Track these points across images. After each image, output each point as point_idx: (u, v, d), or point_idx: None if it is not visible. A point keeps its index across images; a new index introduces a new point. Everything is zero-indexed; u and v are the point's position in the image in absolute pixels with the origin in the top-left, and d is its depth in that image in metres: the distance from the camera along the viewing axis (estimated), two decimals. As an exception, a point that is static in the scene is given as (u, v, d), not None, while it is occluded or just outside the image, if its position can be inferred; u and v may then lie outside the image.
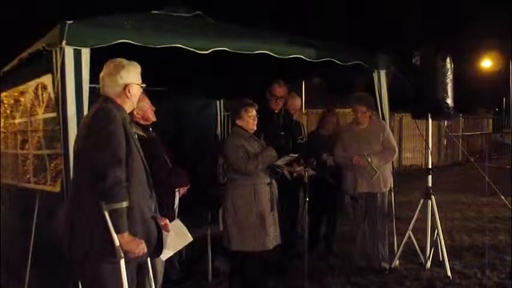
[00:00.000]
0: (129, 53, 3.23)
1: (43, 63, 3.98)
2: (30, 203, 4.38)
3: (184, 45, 4.12)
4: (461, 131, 18.13)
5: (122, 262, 2.67)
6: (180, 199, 4.43)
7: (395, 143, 5.44)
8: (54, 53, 3.73)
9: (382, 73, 5.51)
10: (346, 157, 5.28)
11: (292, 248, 5.38)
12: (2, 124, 5.39)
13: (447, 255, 5.09)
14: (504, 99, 24.07)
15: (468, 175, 12.99)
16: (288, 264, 5.24)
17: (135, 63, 2.96)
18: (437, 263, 5.26)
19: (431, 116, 5.28)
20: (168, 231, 3.08)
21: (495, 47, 26.11)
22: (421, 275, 5.08)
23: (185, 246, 3.58)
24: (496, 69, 28.02)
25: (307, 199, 4.57)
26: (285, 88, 5.36)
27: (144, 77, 3.00)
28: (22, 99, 4.74)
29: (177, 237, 3.28)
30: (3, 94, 5.34)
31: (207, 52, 4.23)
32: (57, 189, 3.95)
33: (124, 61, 2.91)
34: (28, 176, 4.66)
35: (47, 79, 4.00)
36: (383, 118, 5.53)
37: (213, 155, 7.06)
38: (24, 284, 4.36)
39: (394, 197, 5.61)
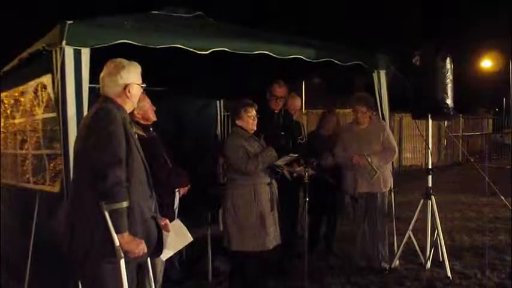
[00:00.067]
0: (129, 53, 3.23)
1: (43, 63, 3.98)
2: (30, 203, 4.38)
3: (184, 46, 4.12)
4: (461, 131, 18.13)
5: (122, 262, 2.67)
6: (180, 199, 4.44)
7: (395, 143, 5.44)
8: (54, 53, 3.73)
9: (382, 73, 5.51)
10: (346, 157, 5.28)
11: (292, 248, 5.38)
12: (2, 124, 5.39)
13: (447, 255, 5.09)
14: (504, 99, 24.05)
15: (468, 175, 12.99)
16: (288, 264, 5.24)
17: (136, 63, 2.96)
18: (437, 263, 5.26)
19: (431, 116, 5.28)
20: (168, 231, 3.08)
21: (495, 47, 26.09)
22: (421, 275, 5.08)
23: (185, 246, 3.58)
24: (496, 69, 28.00)
25: (307, 199, 4.57)
26: (285, 88, 5.36)
27: (144, 77, 3.00)
28: (22, 99, 4.74)
29: (177, 237, 3.28)
30: (3, 94, 5.34)
31: (207, 52, 4.23)
32: (57, 189, 3.95)
33: (124, 61, 2.91)
34: (27, 175, 4.66)
35: (46, 79, 4.00)
36: (383, 118, 5.53)
37: (213, 155, 7.06)
38: (24, 284, 4.36)
39: (394, 197, 5.61)
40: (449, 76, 5.08)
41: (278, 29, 5.59)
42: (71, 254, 2.73)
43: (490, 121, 21.14)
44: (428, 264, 5.23)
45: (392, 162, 5.62)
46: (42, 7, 18.09)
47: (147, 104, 4.13)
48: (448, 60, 5.08)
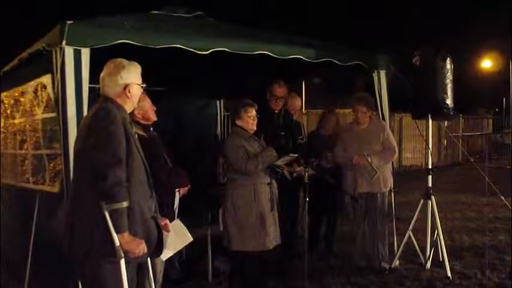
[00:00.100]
0: (129, 53, 3.23)
1: (43, 63, 3.97)
2: (30, 203, 4.38)
3: (184, 46, 4.12)
4: (461, 131, 18.13)
5: (122, 262, 2.67)
6: (180, 199, 4.43)
7: (395, 143, 5.44)
8: (54, 53, 3.73)
9: (382, 73, 5.51)
10: (346, 157, 5.28)
11: (292, 248, 5.38)
12: (2, 124, 5.39)
13: (447, 255, 5.09)
14: (504, 99, 24.06)
15: (468, 175, 13.00)
16: (288, 264, 5.24)
17: (136, 63, 2.96)
18: (437, 263, 5.26)
19: (431, 117, 5.28)
20: (168, 231, 3.08)
21: (495, 47, 26.10)
22: (421, 275, 5.08)
23: (185, 246, 3.58)
24: (496, 69, 28.01)
25: (307, 199, 4.57)
26: (285, 88, 5.36)
27: (144, 77, 3.00)
28: (22, 99, 4.74)
29: (177, 237, 3.28)
30: (4, 94, 5.34)
31: (207, 52, 4.23)
32: (56, 189, 3.95)
33: (124, 61, 2.91)
34: (27, 175, 4.66)
35: (46, 79, 4.00)
36: (383, 118, 5.53)
37: (213, 155, 7.06)
38: (24, 284, 4.36)
39: (394, 197, 5.61)
40: (449, 76, 5.09)
41: (278, 29, 5.59)
42: (71, 254, 2.73)
43: (490, 121, 21.14)
44: (428, 264, 5.23)
45: (392, 162, 5.62)
46: (42, 7, 18.10)
47: (148, 103, 4.13)
48: (448, 60, 5.09)
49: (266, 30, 5.34)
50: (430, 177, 5.29)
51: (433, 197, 5.20)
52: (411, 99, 5.28)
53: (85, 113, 3.55)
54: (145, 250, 2.78)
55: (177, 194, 4.40)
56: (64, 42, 3.60)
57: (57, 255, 3.27)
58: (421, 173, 7.87)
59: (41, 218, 4.21)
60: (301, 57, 4.80)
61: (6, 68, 5.06)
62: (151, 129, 4.20)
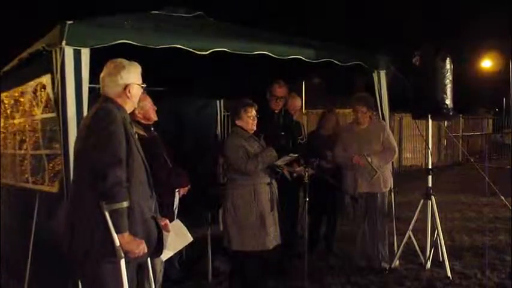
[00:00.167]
0: (129, 53, 3.23)
1: (43, 64, 3.97)
2: (29, 203, 4.38)
3: (184, 46, 4.12)
4: (461, 131, 18.14)
5: (122, 262, 2.67)
6: (180, 199, 4.43)
7: (395, 143, 5.44)
8: (54, 53, 3.73)
9: (382, 73, 5.51)
10: (346, 157, 5.28)
11: (292, 248, 5.38)
12: (2, 124, 5.39)
13: (447, 255, 5.10)
14: (504, 99, 24.07)
15: (468, 175, 13.00)
16: (288, 264, 5.25)
17: (136, 63, 2.95)
18: (437, 263, 5.26)
19: (431, 117, 5.28)
20: (168, 231, 3.08)
21: (495, 47, 26.11)
22: (421, 275, 5.08)
23: (185, 246, 3.58)
24: (496, 69, 28.02)
25: (307, 199, 4.56)
26: (285, 88, 5.36)
27: (144, 77, 3.00)
28: (22, 99, 4.74)
29: (177, 237, 3.28)
30: (4, 94, 5.34)
31: (207, 53, 4.23)
32: (55, 189, 3.94)
33: (124, 61, 2.91)
34: (26, 175, 4.66)
35: (46, 79, 3.99)
36: (383, 118, 5.54)
37: (213, 155, 7.06)
38: (24, 284, 4.36)
39: (394, 197, 5.61)
40: (449, 76, 5.09)
41: (278, 29, 5.59)
42: (71, 254, 2.73)
43: (490, 121, 21.14)
44: (428, 264, 5.24)
45: (392, 162, 5.62)
46: (42, 7, 18.10)
47: (148, 103, 4.13)
48: (447, 60, 5.09)
49: (266, 30, 5.34)
50: (430, 177, 5.29)
51: (433, 197, 5.20)
52: (411, 99, 5.28)
53: (85, 113, 3.55)
54: (146, 250, 2.78)
55: (176, 194, 4.40)
56: (64, 42, 3.60)
57: (57, 255, 3.27)
58: (421, 173, 7.87)
59: (41, 218, 4.21)
60: (301, 57, 4.80)
61: (6, 68, 5.06)
62: (152, 129, 4.20)
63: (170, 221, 3.21)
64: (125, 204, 2.63)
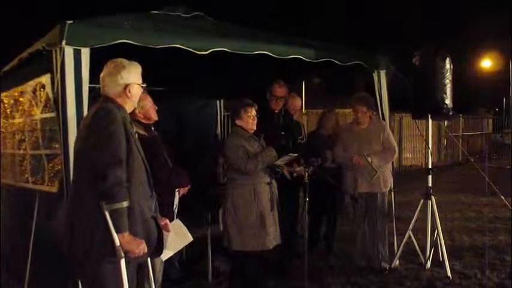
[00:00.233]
0: (129, 53, 3.23)
1: (43, 63, 3.97)
2: (29, 203, 4.38)
3: (183, 46, 4.12)
4: (461, 131, 18.13)
5: (122, 262, 2.67)
6: (180, 199, 4.43)
7: (395, 143, 5.44)
8: (54, 53, 3.73)
9: (382, 73, 5.51)
10: (346, 157, 5.29)
11: (292, 248, 5.38)
12: (1, 124, 5.39)
13: (447, 255, 5.10)
14: (504, 99, 24.08)
15: (468, 175, 13.00)
16: (288, 264, 5.24)
17: (136, 63, 2.95)
18: (437, 263, 5.26)
19: (431, 116, 5.28)
20: (168, 231, 3.08)
21: (495, 47, 26.12)
22: (421, 275, 5.08)
23: (185, 246, 3.58)
24: (496, 69, 28.02)
25: (307, 199, 4.56)
26: (285, 88, 5.36)
27: (144, 77, 3.00)
28: (22, 99, 4.74)
29: (177, 237, 3.28)
30: (3, 94, 5.34)
31: (207, 52, 4.23)
32: (55, 189, 3.94)
33: (125, 61, 2.91)
34: (26, 175, 4.66)
35: (45, 79, 3.99)
36: (383, 118, 5.54)
37: (213, 155, 7.06)
38: (24, 284, 4.36)
39: (394, 197, 5.61)
40: (449, 76, 5.09)
41: (278, 29, 5.59)
42: (71, 254, 2.73)
43: (490, 121, 21.13)
44: (428, 264, 5.24)
45: (392, 162, 5.62)
46: (42, 7, 18.10)
47: (149, 103, 4.13)
48: (447, 60, 5.09)
49: (266, 30, 5.34)
50: (430, 177, 5.29)
51: (433, 197, 5.20)
52: (411, 99, 5.28)
53: (85, 113, 3.55)
54: (146, 250, 2.77)
55: (176, 193, 4.40)
56: (64, 42, 3.60)
57: (57, 255, 3.27)
58: (421, 173, 7.87)
59: (41, 218, 4.21)
60: (301, 57, 4.80)
61: (6, 68, 5.06)
62: (153, 128, 4.20)
63: (170, 221, 3.21)
64: (125, 204, 2.63)
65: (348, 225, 6.02)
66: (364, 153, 5.16)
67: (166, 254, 3.19)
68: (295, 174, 4.94)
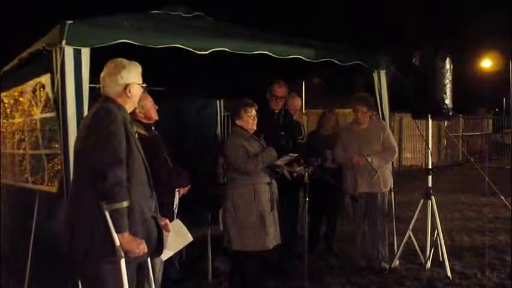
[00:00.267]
0: (129, 53, 3.23)
1: (43, 63, 3.97)
2: (29, 203, 4.38)
3: (183, 46, 4.12)
4: (461, 131, 18.13)
5: (122, 262, 2.67)
6: (180, 199, 4.43)
7: (395, 143, 5.44)
8: (54, 52, 3.73)
9: (382, 73, 5.51)
10: (346, 157, 5.29)
11: (292, 248, 5.38)
12: (1, 124, 5.39)
13: (447, 255, 5.09)
14: (504, 99, 24.07)
15: (468, 175, 13.00)
16: (288, 264, 5.24)
17: (136, 63, 2.95)
18: (437, 263, 5.26)
19: (431, 117, 5.28)
20: (168, 231, 3.08)
21: (495, 47, 26.12)
22: (421, 275, 5.08)
23: (185, 246, 3.58)
24: (496, 69, 28.02)
25: (307, 199, 4.56)
26: (285, 88, 5.36)
27: (144, 77, 3.00)
28: (21, 99, 4.74)
29: (177, 237, 3.28)
30: (3, 94, 5.34)
31: (207, 52, 4.23)
32: (55, 189, 3.94)
33: (125, 61, 2.91)
34: (26, 175, 4.66)
35: (45, 79, 4.00)
36: (383, 118, 5.54)
37: (213, 155, 7.06)
38: (24, 284, 4.36)
39: (394, 197, 5.61)
40: (449, 76, 5.09)
41: (278, 29, 5.59)
42: (71, 254, 2.73)
43: (490, 121, 21.14)
44: (428, 264, 5.24)
45: (392, 162, 5.62)
46: (42, 7, 18.10)
47: (149, 102, 4.13)
48: (447, 60, 5.09)
49: (266, 30, 5.34)
50: (430, 177, 5.29)
51: (433, 197, 5.20)
52: (411, 99, 5.28)
53: (85, 113, 3.55)
54: (146, 250, 2.77)
55: (176, 193, 4.40)
56: (64, 42, 3.60)
57: (57, 255, 3.27)
58: (421, 173, 7.87)
59: (41, 218, 4.21)
60: (301, 57, 4.80)
61: (6, 68, 5.06)
62: (153, 128, 4.20)
63: (170, 221, 3.21)
64: (125, 204, 2.63)
65: (348, 225, 6.02)
66: (364, 153, 5.16)
67: (166, 254, 3.19)
68: (295, 174, 4.94)
